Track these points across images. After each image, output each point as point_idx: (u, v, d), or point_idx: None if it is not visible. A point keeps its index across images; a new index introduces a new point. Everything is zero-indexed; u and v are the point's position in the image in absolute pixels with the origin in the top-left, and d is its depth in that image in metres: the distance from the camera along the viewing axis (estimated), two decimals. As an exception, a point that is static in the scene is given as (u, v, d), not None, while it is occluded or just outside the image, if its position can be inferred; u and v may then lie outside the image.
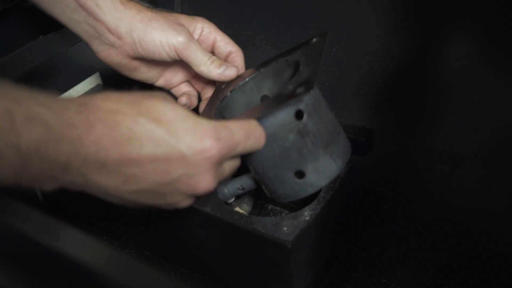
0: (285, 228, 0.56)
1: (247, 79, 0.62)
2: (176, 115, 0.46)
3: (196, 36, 0.66)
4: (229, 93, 0.61)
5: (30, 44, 0.78)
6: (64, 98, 0.43)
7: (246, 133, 0.49)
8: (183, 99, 0.68)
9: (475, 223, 0.68)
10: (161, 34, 0.62)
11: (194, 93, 0.70)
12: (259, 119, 0.52)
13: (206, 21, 0.67)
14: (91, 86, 0.82)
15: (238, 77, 0.64)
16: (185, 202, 0.49)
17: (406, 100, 0.75)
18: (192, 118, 0.46)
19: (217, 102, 0.60)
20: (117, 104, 0.44)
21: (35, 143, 0.39)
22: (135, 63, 0.66)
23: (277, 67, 0.61)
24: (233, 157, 0.50)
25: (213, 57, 0.63)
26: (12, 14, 0.77)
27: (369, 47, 0.77)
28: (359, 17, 0.77)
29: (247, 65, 0.73)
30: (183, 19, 0.65)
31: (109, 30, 0.63)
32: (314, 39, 0.59)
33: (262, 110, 0.52)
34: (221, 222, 0.59)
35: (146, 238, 0.71)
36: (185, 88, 0.71)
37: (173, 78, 0.70)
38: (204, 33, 0.66)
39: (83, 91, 0.81)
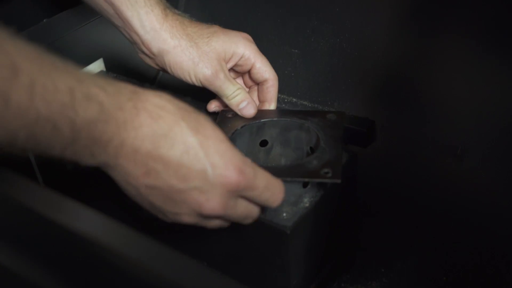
0: (284, 214, 0.56)
1: (258, 121, 0.66)
2: (214, 134, 0.48)
3: (233, 62, 0.66)
4: (239, 128, 0.64)
5: (33, 28, 0.77)
6: (118, 83, 0.46)
7: (267, 185, 0.51)
8: (212, 106, 0.70)
9: (475, 217, 0.68)
10: (190, 67, 0.64)
11: None
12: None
13: (248, 44, 0.66)
14: (94, 72, 0.82)
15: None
16: (187, 218, 0.50)
17: (409, 92, 0.75)
18: (227, 143, 0.49)
19: (228, 134, 0.63)
20: (166, 103, 0.47)
21: (87, 120, 0.42)
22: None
23: (289, 124, 0.65)
24: (251, 200, 0.51)
25: (237, 91, 0.65)
26: (16, -3, 0.77)
27: (373, 38, 0.77)
28: (364, 7, 0.77)
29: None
30: (221, 44, 0.65)
31: (143, 43, 0.65)
32: (331, 115, 0.64)
33: (283, 175, 0.55)
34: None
35: (143, 223, 0.70)
36: None
37: None
38: (242, 59, 0.66)
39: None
